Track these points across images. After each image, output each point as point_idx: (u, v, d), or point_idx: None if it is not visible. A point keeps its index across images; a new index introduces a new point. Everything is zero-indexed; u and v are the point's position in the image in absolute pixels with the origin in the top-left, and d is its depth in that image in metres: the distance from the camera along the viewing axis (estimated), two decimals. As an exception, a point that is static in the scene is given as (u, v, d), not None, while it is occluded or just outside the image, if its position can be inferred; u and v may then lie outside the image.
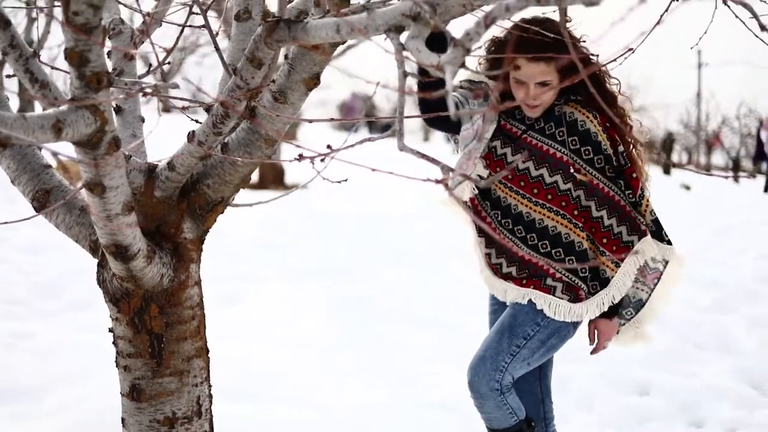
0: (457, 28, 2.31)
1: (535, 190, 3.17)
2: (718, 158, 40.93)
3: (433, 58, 1.83)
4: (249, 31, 2.79)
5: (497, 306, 3.39)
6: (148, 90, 2.26)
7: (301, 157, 2.12)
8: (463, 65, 2.34)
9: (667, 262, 3.26)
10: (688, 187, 21.06)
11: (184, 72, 26.90)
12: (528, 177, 3.18)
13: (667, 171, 25.46)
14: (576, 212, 3.15)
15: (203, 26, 2.68)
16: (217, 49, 2.63)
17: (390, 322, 5.89)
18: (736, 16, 2.79)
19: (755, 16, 2.01)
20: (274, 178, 14.47)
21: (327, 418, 4.19)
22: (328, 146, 2.07)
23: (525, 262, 3.20)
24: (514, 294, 3.22)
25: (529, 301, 3.17)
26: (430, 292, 6.74)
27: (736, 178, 28.47)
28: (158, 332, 2.69)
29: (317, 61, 2.56)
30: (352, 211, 10.07)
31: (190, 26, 2.86)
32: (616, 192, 3.14)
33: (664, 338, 5.81)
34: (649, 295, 3.27)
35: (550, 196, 3.15)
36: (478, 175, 3.16)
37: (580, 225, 3.15)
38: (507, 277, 3.24)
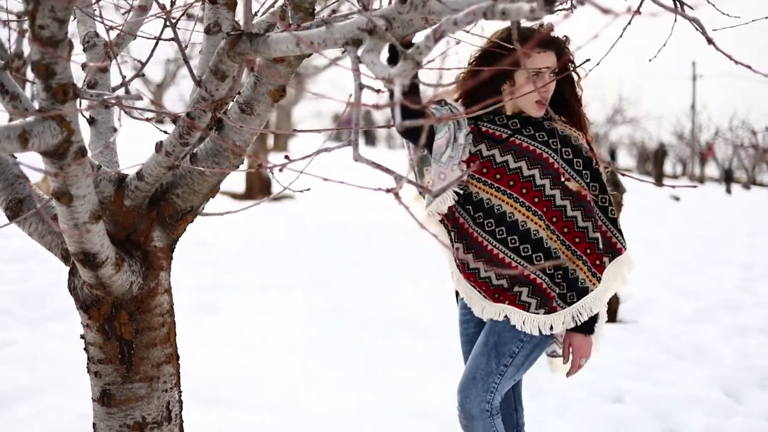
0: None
1: (524, 190, 3.18)
2: (712, 169, 41.09)
3: (385, 71, 1.88)
4: (218, 44, 2.86)
5: (469, 316, 3.39)
6: (112, 101, 2.31)
7: (259, 167, 2.18)
8: (415, 78, 2.40)
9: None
10: (677, 198, 21.13)
11: (177, 83, 27.00)
12: (519, 176, 3.18)
13: (658, 182, 25.55)
14: (554, 219, 3.17)
15: (172, 39, 2.73)
16: (186, 61, 2.68)
17: (369, 329, 5.94)
18: (697, 29, 2.85)
19: (703, 30, 2.07)
20: (260, 188, 14.51)
21: (302, 423, 4.23)
22: (286, 156, 2.12)
23: (504, 267, 3.19)
24: (490, 311, 3.21)
25: (506, 317, 3.17)
26: (408, 300, 6.79)
27: (728, 190, 28.57)
28: (128, 338, 2.74)
29: (282, 74, 2.62)
30: (335, 221, 10.11)
31: (162, 39, 2.91)
32: (605, 208, 3.22)
33: (643, 348, 5.87)
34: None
35: (536, 199, 3.17)
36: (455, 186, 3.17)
37: (556, 231, 3.17)
38: (484, 284, 3.23)
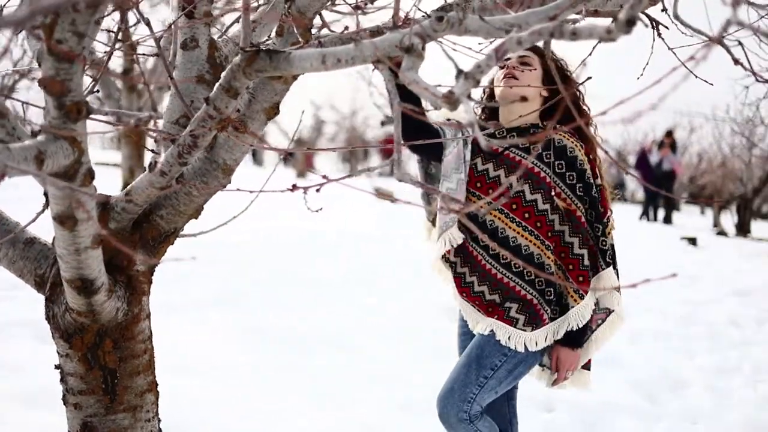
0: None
1: (514, 206, 3.19)
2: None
3: (436, 90, 1.86)
4: (196, 59, 2.76)
5: (466, 329, 3.40)
6: (131, 121, 2.20)
7: (294, 187, 2.12)
8: (469, 96, 2.39)
9: (611, 311, 3.33)
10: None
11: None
12: (509, 191, 3.19)
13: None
14: (549, 234, 3.18)
15: (156, 55, 2.63)
16: (171, 78, 2.58)
17: (293, 347, 5.79)
18: (728, 53, 2.95)
19: (729, 51, 2.14)
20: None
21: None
22: (324, 176, 2.07)
23: (496, 282, 3.22)
24: (480, 325, 3.23)
25: (491, 331, 3.18)
26: (332, 317, 6.66)
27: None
28: (112, 367, 2.61)
29: (278, 91, 2.57)
30: (243, 237, 9.73)
31: (146, 55, 2.80)
32: (589, 222, 3.21)
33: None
34: (588, 337, 3.32)
35: (527, 215, 3.18)
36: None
37: (552, 247, 3.18)
38: (477, 299, 3.24)
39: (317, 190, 2.06)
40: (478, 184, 3.24)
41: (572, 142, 3.22)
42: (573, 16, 2.60)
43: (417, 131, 3.02)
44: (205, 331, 5.96)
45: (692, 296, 8.77)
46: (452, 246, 3.26)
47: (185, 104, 2.56)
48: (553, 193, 3.18)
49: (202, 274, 7.59)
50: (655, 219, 20.02)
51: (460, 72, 1.83)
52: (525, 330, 3.15)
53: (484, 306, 3.24)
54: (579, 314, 3.17)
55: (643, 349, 6.37)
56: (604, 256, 3.23)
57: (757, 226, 22.32)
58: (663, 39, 2.93)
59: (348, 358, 5.56)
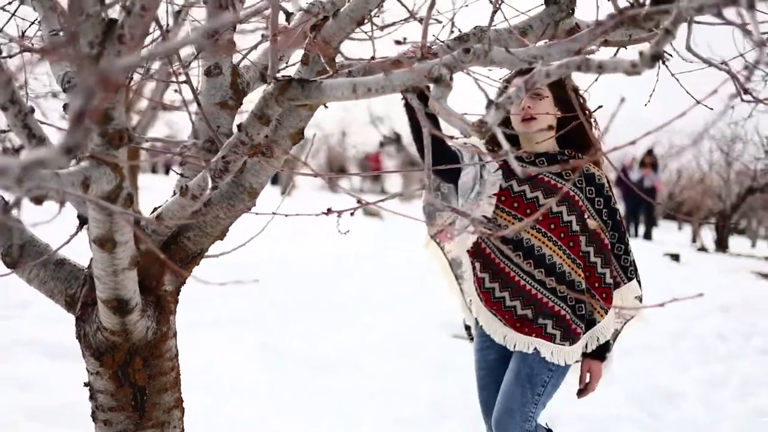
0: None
1: (552, 226, 3.35)
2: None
3: (466, 117, 1.96)
4: (219, 86, 2.85)
5: (489, 343, 3.51)
6: (176, 150, 2.30)
7: (329, 211, 2.21)
8: (499, 125, 2.48)
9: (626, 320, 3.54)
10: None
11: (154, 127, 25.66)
12: (548, 212, 3.34)
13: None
14: (580, 254, 3.36)
15: (185, 82, 2.72)
16: (199, 104, 2.68)
17: (318, 368, 5.79)
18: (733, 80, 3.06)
19: (737, 80, 2.24)
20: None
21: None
22: (359, 200, 2.16)
23: (530, 298, 3.36)
24: (517, 342, 3.37)
25: (535, 349, 3.34)
26: (342, 338, 6.69)
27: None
28: (142, 384, 2.69)
29: (303, 117, 2.66)
30: (262, 257, 9.71)
31: (173, 81, 2.89)
32: (612, 245, 3.42)
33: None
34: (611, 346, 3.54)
35: (562, 235, 3.35)
36: (485, 216, 3.29)
37: (582, 266, 3.36)
38: (508, 314, 3.38)
39: (351, 214, 2.16)
40: (515, 205, 3.37)
41: (598, 170, 3.42)
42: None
43: (439, 155, 3.13)
44: (224, 350, 6.01)
45: (680, 312, 8.89)
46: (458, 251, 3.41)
47: (212, 130, 2.66)
48: (585, 216, 3.37)
49: (221, 294, 7.61)
50: (636, 235, 20.21)
51: (490, 102, 1.91)
52: (564, 345, 3.34)
53: (513, 321, 3.39)
54: (604, 328, 3.38)
55: (636, 364, 6.49)
56: (626, 272, 3.44)
57: (734, 242, 22.60)
58: (667, 67, 3.05)
59: (363, 376, 5.61)
